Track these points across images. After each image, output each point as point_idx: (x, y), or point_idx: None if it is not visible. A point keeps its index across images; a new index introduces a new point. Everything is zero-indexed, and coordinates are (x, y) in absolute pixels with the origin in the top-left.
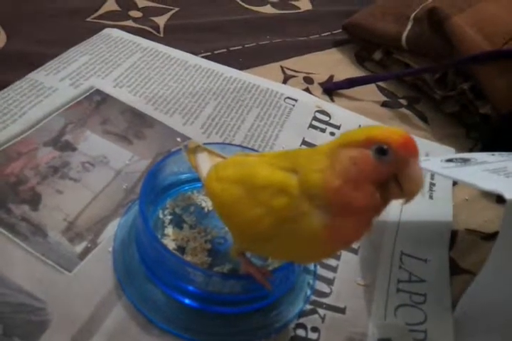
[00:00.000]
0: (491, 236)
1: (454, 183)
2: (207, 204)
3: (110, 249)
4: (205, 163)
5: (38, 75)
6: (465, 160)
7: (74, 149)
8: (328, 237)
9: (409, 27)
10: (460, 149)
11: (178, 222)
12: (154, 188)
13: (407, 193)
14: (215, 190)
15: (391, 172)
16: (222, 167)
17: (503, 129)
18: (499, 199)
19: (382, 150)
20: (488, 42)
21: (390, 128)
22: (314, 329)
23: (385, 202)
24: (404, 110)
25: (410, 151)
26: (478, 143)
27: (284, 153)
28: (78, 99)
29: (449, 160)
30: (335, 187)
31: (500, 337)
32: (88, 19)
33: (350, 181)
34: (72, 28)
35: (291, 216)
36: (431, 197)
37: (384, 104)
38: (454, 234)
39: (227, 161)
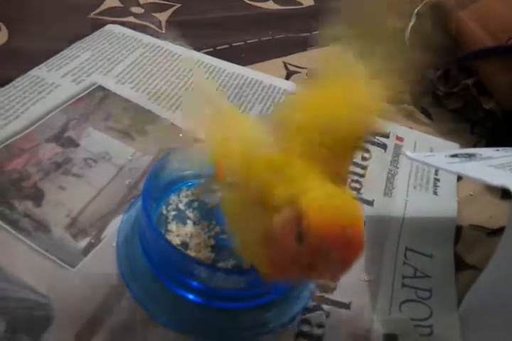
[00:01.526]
0: (496, 232)
1: (459, 179)
2: (210, 200)
3: (114, 244)
4: None
5: (39, 71)
6: (470, 156)
7: (76, 145)
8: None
9: (412, 22)
10: (464, 145)
11: (181, 218)
12: (157, 184)
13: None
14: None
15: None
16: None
17: (507, 125)
18: (504, 194)
19: (299, 236)
20: (492, 38)
21: (339, 200)
22: (319, 326)
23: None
24: (407, 106)
25: (326, 247)
26: (482, 139)
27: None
28: (80, 95)
29: (454, 156)
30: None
31: (506, 332)
32: (90, 15)
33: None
34: (73, 24)
35: None
36: (435, 192)
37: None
38: (458, 230)
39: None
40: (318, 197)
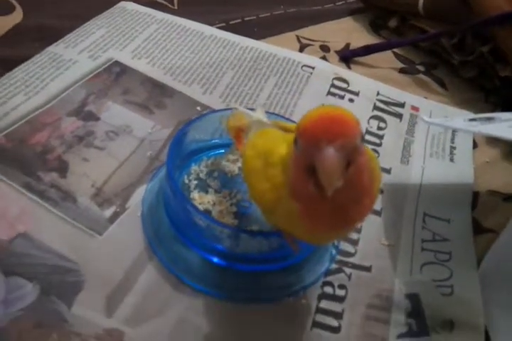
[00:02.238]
0: None
1: (474, 146)
2: (230, 169)
3: (139, 213)
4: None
5: (57, 48)
6: (489, 119)
7: (97, 119)
8: (305, 220)
9: None
10: (479, 113)
11: (203, 187)
12: (179, 154)
13: (322, 183)
14: (247, 155)
15: (307, 161)
16: (259, 135)
17: None
18: None
19: (295, 141)
20: (509, 4)
21: (325, 112)
22: (341, 287)
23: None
24: (422, 76)
25: (316, 138)
26: (497, 108)
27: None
28: (98, 71)
29: (473, 120)
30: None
31: None
32: None
33: (294, 172)
34: (86, 1)
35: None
36: (451, 160)
37: (401, 71)
38: (475, 196)
39: (265, 131)
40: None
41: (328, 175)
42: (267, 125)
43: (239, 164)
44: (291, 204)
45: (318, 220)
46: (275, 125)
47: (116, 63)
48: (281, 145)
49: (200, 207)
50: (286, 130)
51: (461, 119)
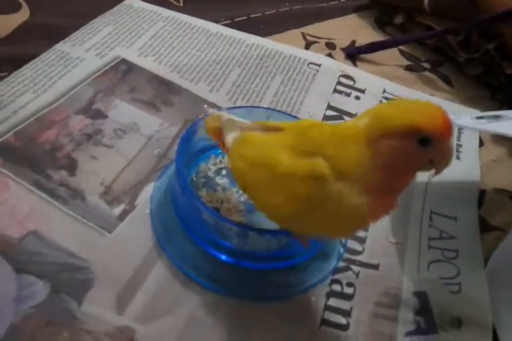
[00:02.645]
0: None
1: (481, 144)
2: None
3: (147, 211)
4: (229, 133)
5: (64, 46)
6: (496, 117)
7: (105, 117)
8: (368, 214)
9: None
10: (485, 111)
11: (211, 185)
12: (187, 152)
13: (440, 170)
14: (238, 168)
15: (431, 156)
16: (243, 143)
17: None
18: None
19: (424, 141)
20: None
21: (429, 109)
22: (349, 285)
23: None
24: (427, 73)
25: (449, 134)
26: (504, 105)
27: (303, 133)
28: (105, 69)
29: (480, 117)
30: (379, 178)
31: None
32: None
33: (394, 171)
34: (93, 0)
35: (317, 202)
36: (458, 157)
37: (407, 68)
38: (482, 194)
39: (246, 137)
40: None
41: (451, 160)
42: (238, 125)
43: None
44: (350, 200)
45: (378, 210)
46: (257, 126)
47: (123, 61)
48: (281, 153)
49: (209, 205)
50: (273, 129)
51: (468, 117)
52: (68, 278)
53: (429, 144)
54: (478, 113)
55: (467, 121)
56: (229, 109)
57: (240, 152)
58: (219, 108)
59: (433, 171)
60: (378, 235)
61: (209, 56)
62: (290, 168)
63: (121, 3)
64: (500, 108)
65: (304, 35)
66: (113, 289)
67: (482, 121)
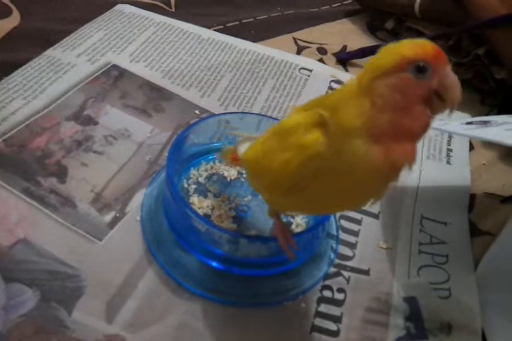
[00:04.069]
0: (509, 199)
1: (471, 149)
2: (229, 173)
3: (138, 218)
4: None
5: (55, 52)
6: (485, 122)
7: (96, 123)
8: (383, 159)
9: None
10: (475, 115)
11: (202, 191)
12: (178, 159)
13: (451, 102)
14: (254, 152)
15: (433, 86)
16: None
17: None
18: None
19: (421, 69)
20: (505, 6)
21: (415, 42)
22: (340, 290)
23: (430, 118)
24: None
25: (444, 60)
26: (494, 110)
27: (315, 100)
28: (96, 75)
29: (469, 123)
30: (384, 123)
31: None
32: None
33: (399, 110)
34: (83, 5)
35: (323, 151)
36: (448, 162)
37: None
38: (472, 198)
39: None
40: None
41: (459, 90)
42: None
43: (238, 168)
44: (357, 149)
45: (395, 155)
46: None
47: (115, 67)
48: (292, 115)
49: (200, 212)
50: None
51: (457, 122)
52: (58, 286)
53: (426, 71)
54: (468, 118)
55: (456, 127)
56: (220, 114)
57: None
58: (211, 113)
59: (448, 110)
60: (369, 240)
61: (200, 62)
62: (297, 120)
63: (112, 9)
64: (491, 112)
65: (295, 40)
66: (103, 297)
67: (471, 126)
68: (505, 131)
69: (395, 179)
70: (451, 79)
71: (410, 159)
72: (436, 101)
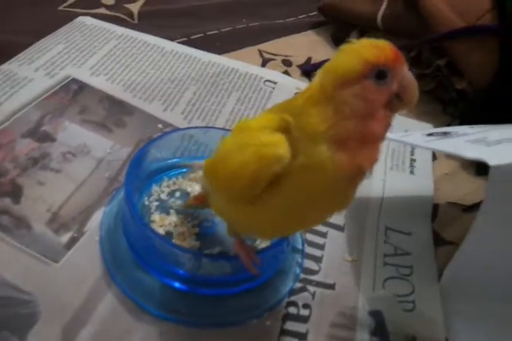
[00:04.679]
0: (472, 208)
1: (434, 158)
2: (193, 189)
3: (97, 237)
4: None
5: (11, 66)
6: (445, 133)
7: (53, 140)
8: (348, 163)
9: (384, 6)
10: (438, 125)
11: (164, 208)
12: (138, 175)
13: (410, 101)
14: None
15: (393, 90)
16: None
17: (478, 104)
18: (478, 172)
19: (382, 74)
20: (462, 19)
21: (371, 42)
22: (306, 306)
23: (391, 118)
24: None
25: (401, 61)
26: (456, 119)
27: (282, 104)
28: (55, 89)
29: (430, 134)
30: (349, 129)
31: (486, 302)
32: (59, 8)
33: (362, 116)
34: (43, 17)
35: (282, 155)
36: (412, 172)
37: None
38: (435, 208)
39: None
40: None
41: (417, 88)
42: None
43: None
44: (321, 155)
45: (359, 160)
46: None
47: (74, 80)
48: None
49: (161, 230)
50: None
51: (419, 134)
52: (11, 314)
53: (386, 76)
54: (430, 129)
55: (418, 139)
56: (184, 129)
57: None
58: (174, 127)
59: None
60: (334, 253)
61: (164, 74)
62: (259, 122)
63: (73, 21)
64: (452, 121)
65: (260, 52)
66: (59, 322)
67: (432, 138)
68: (463, 143)
69: (360, 182)
70: (409, 80)
71: (374, 161)
72: (396, 101)
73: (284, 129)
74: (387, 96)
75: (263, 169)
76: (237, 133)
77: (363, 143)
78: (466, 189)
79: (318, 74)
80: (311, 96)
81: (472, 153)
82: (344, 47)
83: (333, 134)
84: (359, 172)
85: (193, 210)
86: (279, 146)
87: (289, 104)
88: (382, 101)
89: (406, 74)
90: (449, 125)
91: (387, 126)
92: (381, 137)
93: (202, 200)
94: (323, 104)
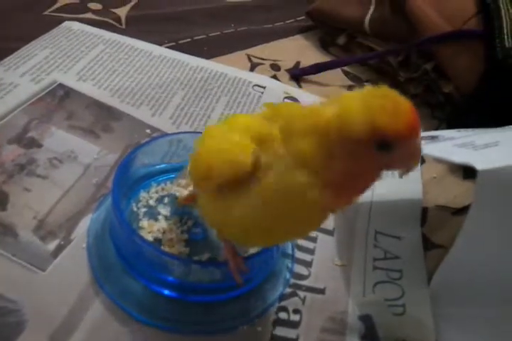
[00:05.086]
0: (460, 211)
1: (422, 162)
2: (181, 194)
3: (84, 245)
4: None
5: None
6: (433, 138)
7: (40, 146)
8: (329, 203)
9: (371, 10)
10: (426, 129)
11: (152, 214)
12: (126, 181)
13: (408, 170)
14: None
15: (395, 158)
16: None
17: (466, 108)
18: (466, 175)
19: (386, 146)
20: (448, 23)
21: (392, 100)
22: (296, 311)
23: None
24: None
25: (415, 134)
26: (443, 123)
27: (276, 108)
28: (41, 95)
29: None
30: (338, 177)
31: (476, 306)
32: (46, 12)
33: (352, 173)
34: (28, 22)
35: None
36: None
37: (350, 88)
38: (424, 211)
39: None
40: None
41: (418, 160)
42: None
43: (190, 188)
44: (308, 189)
45: (339, 204)
46: None
47: (61, 86)
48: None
49: (150, 236)
50: None
51: None
52: None
53: (390, 148)
54: None
55: None
56: (172, 134)
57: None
58: (162, 133)
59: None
60: (324, 258)
61: (152, 79)
62: (248, 122)
63: (59, 26)
64: (440, 125)
65: (249, 56)
66: (46, 331)
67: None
68: (451, 147)
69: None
70: (415, 153)
71: (352, 203)
72: (392, 164)
73: (263, 140)
74: (384, 162)
75: (225, 168)
76: (223, 124)
77: (347, 190)
78: (455, 192)
79: (333, 104)
80: (312, 126)
81: (459, 157)
82: (365, 93)
83: (322, 174)
84: (335, 209)
85: (181, 216)
86: (244, 154)
87: (284, 113)
88: (377, 165)
89: (414, 147)
90: (436, 129)
91: (377, 179)
92: (366, 189)
93: (192, 200)
94: (322, 142)
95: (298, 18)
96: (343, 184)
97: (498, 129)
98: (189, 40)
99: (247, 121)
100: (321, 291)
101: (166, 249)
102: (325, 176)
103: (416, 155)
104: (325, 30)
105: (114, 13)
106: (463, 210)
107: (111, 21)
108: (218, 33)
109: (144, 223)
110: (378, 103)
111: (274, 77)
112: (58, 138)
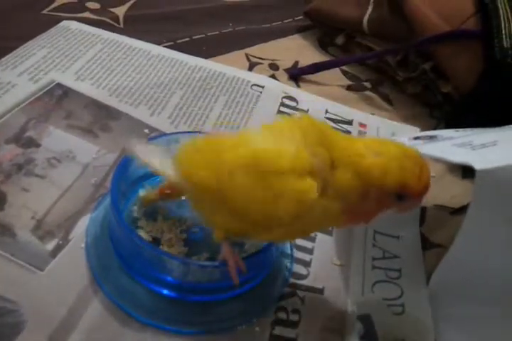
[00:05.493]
0: (459, 211)
1: None
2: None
3: (82, 245)
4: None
5: None
6: (431, 137)
7: (38, 145)
8: (345, 222)
9: (369, 10)
10: (424, 128)
11: (151, 214)
12: (125, 180)
13: (404, 213)
14: (200, 177)
15: (404, 206)
16: (190, 152)
17: (463, 107)
18: (464, 174)
19: (402, 198)
20: (447, 23)
21: (419, 170)
22: (295, 311)
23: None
24: (368, 93)
25: (426, 191)
26: (442, 122)
27: (322, 135)
28: (39, 94)
29: (416, 138)
30: (357, 209)
31: (475, 305)
32: (43, 12)
33: (366, 209)
34: (26, 21)
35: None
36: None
37: (349, 88)
38: (423, 211)
39: (197, 146)
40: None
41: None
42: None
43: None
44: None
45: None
46: None
47: (59, 85)
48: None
49: (148, 236)
50: None
51: (405, 138)
52: None
53: (404, 199)
54: (416, 132)
55: (404, 142)
56: (171, 134)
57: (205, 160)
58: (161, 132)
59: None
60: (323, 257)
61: (150, 79)
62: (294, 161)
63: (57, 25)
64: (439, 125)
65: (247, 56)
66: (45, 331)
67: (418, 142)
68: (450, 147)
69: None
70: (418, 205)
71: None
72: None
73: (312, 172)
74: (395, 206)
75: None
76: (253, 164)
77: (358, 218)
78: (453, 191)
79: (377, 149)
80: (359, 164)
81: (458, 157)
82: (401, 151)
83: (345, 203)
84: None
85: (180, 216)
86: (314, 192)
87: (332, 143)
88: (388, 207)
89: (420, 200)
90: (435, 128)
91: (382, 212)
92: (372, 219)
93: (173, 190)
94: (358, 179)
95: (296, 18)
96: (356, 215)
97: (497, 129)
98: (187, 39)
99: (287, 157)
100: (320, 291)
101: (164, 248)
102: (346, 207)
103: (419, 205)
104: (323, 29)
105: (112, 12)
106: (462, 210)
107: (109, 21)
108: (217, 32)
109: (143, 222)
110: (410, 168)
111: (273, 76)
112: (56, 138)
